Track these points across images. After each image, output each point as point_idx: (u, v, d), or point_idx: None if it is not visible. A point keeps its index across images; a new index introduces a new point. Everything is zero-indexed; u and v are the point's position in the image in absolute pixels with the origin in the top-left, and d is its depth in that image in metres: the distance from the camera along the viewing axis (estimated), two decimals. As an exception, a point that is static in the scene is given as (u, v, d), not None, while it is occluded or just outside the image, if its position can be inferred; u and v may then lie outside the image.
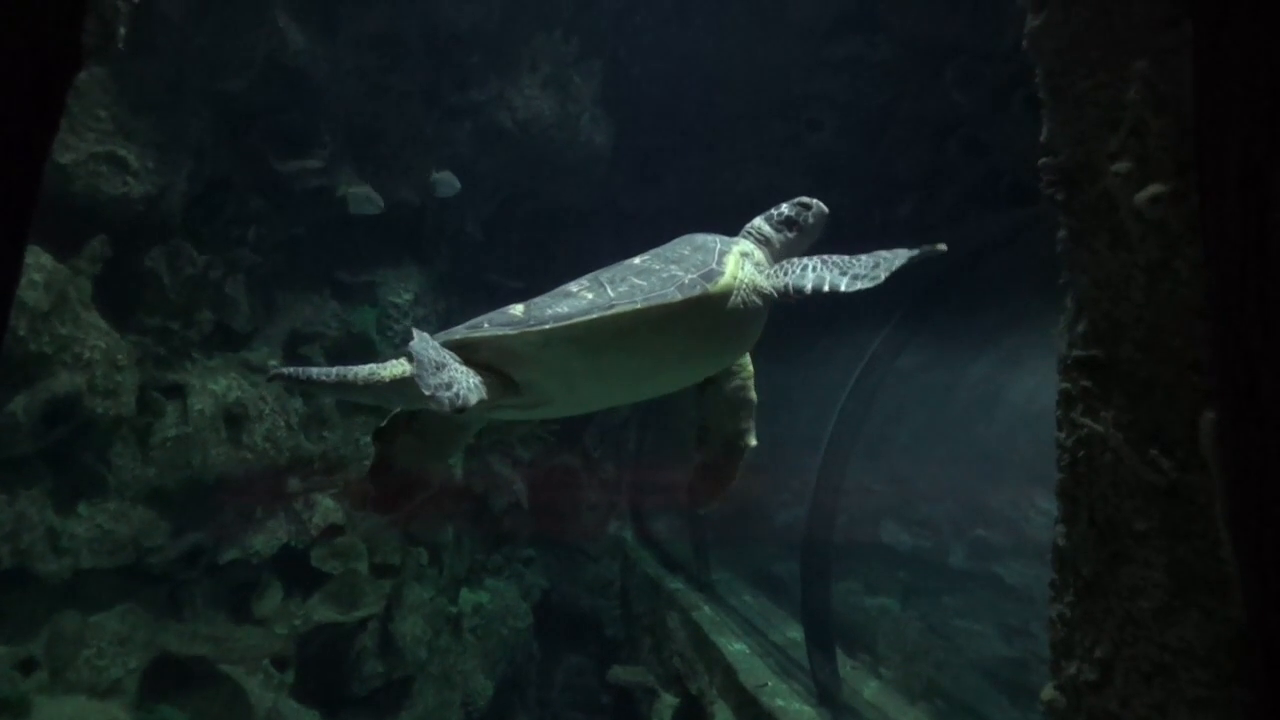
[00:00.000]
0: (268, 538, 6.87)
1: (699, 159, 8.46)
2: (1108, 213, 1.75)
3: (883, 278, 2.49)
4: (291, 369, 2.87)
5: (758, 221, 2.93)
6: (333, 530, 7.13)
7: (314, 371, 2.81)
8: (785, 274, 2.66)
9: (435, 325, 7.61)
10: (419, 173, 7.62)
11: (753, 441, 3.11)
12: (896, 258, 2.52)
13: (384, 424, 3.06)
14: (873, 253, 2.58)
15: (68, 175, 5.80)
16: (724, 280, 2.56)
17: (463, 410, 2.36)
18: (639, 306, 2.47)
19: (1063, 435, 1.81)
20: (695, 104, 8.26)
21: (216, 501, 6.61)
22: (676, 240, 2.86)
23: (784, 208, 2.94)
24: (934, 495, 5.01)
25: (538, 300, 2.65)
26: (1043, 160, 1.87)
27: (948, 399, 4.99)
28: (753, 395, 3.10)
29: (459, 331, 2.69)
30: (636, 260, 2.74)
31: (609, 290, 2.56)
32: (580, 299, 2.57)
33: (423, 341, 2.56)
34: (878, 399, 5.09)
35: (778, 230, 2.92)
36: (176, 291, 6.40)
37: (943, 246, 2.52)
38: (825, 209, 2.94)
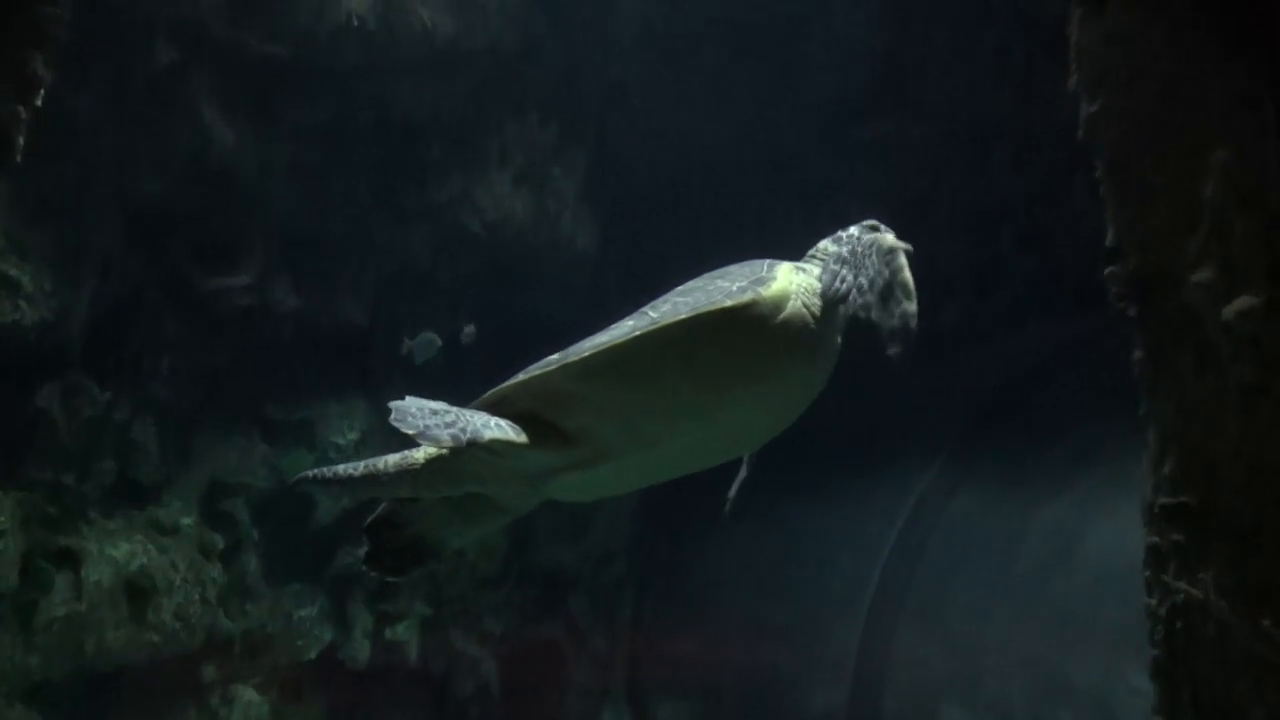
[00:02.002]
0: (176, 742, 6.69)
1: (703, 258, 8.58)
2: (1190, 329, 1.77)
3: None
4: (315, 471, 3.06)
5: (823, 243, 3.22)
6: (257, 731, 6.95)
7: (339, 469, 2.99)
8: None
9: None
10: (366, 286, 7.72)
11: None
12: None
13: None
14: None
15: (-55, 301, 5.87)
16: (777, 285, 2.82)
17: (474, 443, 2.63)
18: (684, 317, 2.71)
19: (1154, 601, 1.80)
20: (697, 196, 8.43)
21: (113, 698, 6.46)
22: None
23: (853, 230, 3.21)
24: (1003, 670, 4.92)
25: (577, 343, 2.91)
26: (1110, 269, 1.91)
27: (1014, 550, 4.95)
28: None
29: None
30: (678, 287, 3.03)
31: (651, 313, 2.83)
32: (621, 327, 2.83)
33: (409, 401, 2.78)
34: (928, 550, 5.05)
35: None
36: (73, 436, 6.39)
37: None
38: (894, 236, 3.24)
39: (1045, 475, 5.01)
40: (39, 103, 2.21)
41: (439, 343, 7.35)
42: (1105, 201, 1.95)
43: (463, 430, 2.65)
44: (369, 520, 3.21)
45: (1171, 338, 1.83)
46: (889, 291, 2.97)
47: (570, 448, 2.93)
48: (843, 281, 2.96)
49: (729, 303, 2.74)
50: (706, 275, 3.07)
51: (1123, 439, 2.32)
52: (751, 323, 2.78)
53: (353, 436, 7.75)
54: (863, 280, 3.01)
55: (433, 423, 2.66)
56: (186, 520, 6.98)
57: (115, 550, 6.55)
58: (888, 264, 3.00)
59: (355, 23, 6.75)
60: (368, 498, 3.28)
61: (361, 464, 2.94)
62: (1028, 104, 7.01)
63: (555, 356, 2.86)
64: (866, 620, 5.07)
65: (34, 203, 6.15)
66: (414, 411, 2.70)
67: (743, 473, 3.59)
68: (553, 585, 8.78)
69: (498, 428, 2.73)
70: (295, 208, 7.30)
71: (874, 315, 2.97)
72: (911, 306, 2.94)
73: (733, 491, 3.63)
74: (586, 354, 2.76)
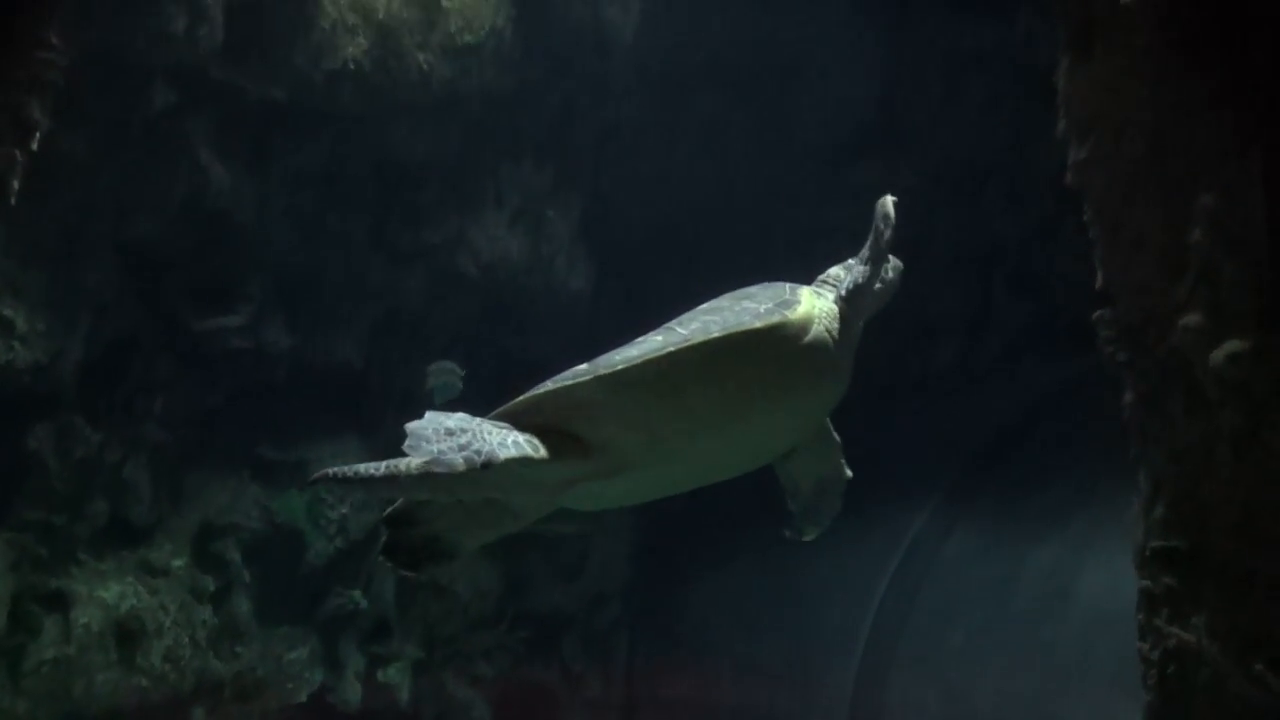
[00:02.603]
0: (165, 788, 6.63)
1: (697, 301, 8.60)
2: (1180, 373, 1.78)
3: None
4: (334, 470, 3.03)
5: (834, 270, 3.37)
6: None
7: (360, 468, 2.96)
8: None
9: (378, 513, 7.53)
10: (360, 327, 7.73)
11: (849, 473, 3.55)
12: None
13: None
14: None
15: (-61, 341, 5.87)
16: (803, 308, 2.97)
17: (489, 465, 2.66)
18: (715, 335, 2.83)
19: (1146, 646, 1.79)
20: (691, 238, 8.46)
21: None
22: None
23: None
24: (999, 713, 4.88)
25: (603, 355, 2.99)
26: (1099, 313, 1.91)
27: (1009, 593, 4.93)
28: (835, 435, 3.49)
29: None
30: (702, 306, 3.16)
31: (680, 330, 2.94)
32: (650, 342, 2.93)
33: (426, 420, 2.85)
34: (923, 592, 5.03)
35: None
36: (64, 478, 6.37)
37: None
38: (901, 265, 3.49)
39: (1040, 517, 5.00)
40: (35, 146, 2.23)
41: (460, 386, 7.30)
42: (1094, 246, 1.96)
43: (477, 453, 2.69)
44: (387, 512, 3.24)
45: (1161, 381, 1.84)
46: (878, 229, 3.16)
47: (590, 459, 2.98)
48: (860, 275, 3.17)
49: (758, 324, 2.85)
50: (729, 296, 3.18)
51: (1117, 480, 2.33)
52: (778, 343, 2.90)
53: (346, 477, 7.72)
54: (865, 253, 3.20)
55: (446, 446, 2.70)
56: (178, 562, 6.94)
57: (105, 592, 6.51)
58: (875, 216, 3.19)
59: (352, 67, 6.80)
60: (385, 499, 3.29)
61: (383, 464, 2.91)
62: (1019, 148, 7.06)
63: (585, 367, 2.94)
64: (861, 662, 5.04)
65: (29, 244, 6.17)
66: (429, 435, 2.75)
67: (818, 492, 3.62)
68: (546, 627, 8.71)
69: (515, 445, 2.76)
70: (290, 249, 7.32)
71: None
72: (885, 207, 3.12)
73: (798, 511, 3.66)
74: (619, 366, 2.83)
